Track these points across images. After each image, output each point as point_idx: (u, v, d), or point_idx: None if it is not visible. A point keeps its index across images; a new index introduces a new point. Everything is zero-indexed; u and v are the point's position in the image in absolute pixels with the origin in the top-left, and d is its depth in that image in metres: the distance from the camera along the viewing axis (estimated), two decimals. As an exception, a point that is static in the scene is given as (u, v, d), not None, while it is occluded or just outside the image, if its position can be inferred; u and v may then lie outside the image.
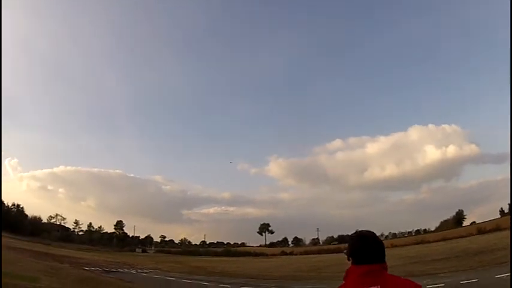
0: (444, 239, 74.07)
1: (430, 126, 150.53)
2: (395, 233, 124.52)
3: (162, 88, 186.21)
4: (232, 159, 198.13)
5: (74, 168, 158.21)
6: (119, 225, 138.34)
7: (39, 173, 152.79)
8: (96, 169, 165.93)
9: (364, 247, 2.72)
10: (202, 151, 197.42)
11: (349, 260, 2.80)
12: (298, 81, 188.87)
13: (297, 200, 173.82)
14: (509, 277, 17.73)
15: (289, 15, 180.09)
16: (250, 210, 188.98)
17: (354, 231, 2.95)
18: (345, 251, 2.86)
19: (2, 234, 78.69)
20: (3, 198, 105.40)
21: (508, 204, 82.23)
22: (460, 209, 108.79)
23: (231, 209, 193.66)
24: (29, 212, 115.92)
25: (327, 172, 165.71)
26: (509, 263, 21.44)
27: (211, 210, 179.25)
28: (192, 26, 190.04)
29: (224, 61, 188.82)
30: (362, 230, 2.90)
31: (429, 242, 77.34)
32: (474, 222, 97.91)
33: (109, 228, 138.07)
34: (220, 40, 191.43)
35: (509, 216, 63.08)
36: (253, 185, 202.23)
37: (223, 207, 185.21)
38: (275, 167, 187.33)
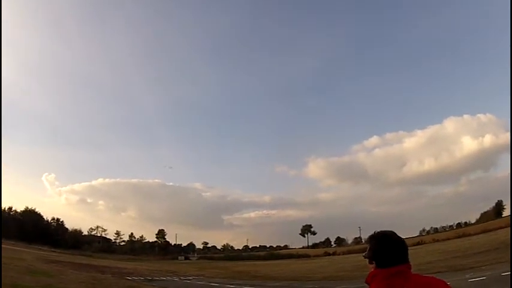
0: (484, 231, 74.40)
1: (465, 116, 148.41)
2: (436, 228, 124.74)
3: (197, 96, 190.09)
4: (270, 162, 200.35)
5: (112, 180, 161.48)
6: (161, 233, 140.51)
7: (78, 186, 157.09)
8: (135, 179, 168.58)
9: (389, 248, 2.58)
10: (240, 156, 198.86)
11: (371, 263, 2.67)
12: (331, 80, 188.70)
13: (338, 199, 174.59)
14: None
15: (318, 14, 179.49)
16: (292, 213, 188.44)
17: (374, 232, 2.76)
18: (365, 254, 2.72)
19: (43, 248, 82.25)
20: (42, 213, 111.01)
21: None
22: (500, 199, 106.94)
23: (272, 212, 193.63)
24: (70, 225, 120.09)
25: (366, 170, 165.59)
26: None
27: (252, 214, 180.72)
28: (221, 34, 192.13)
29: (256, 65, 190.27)
30: (382, 230, 2.74)
31: (470, 234, 77.90)
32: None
33: (151, 237, 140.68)
34: (251, 45, 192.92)
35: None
36: (293, 187, 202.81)
37: (264, 211, 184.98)
38: (314, 168, 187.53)
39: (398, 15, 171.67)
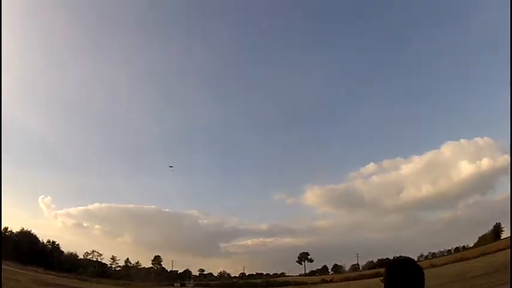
0: (483, 254, 74.85)
1: (462, 141, 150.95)
2: (434, 253, 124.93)
3: (193, 125, 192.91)
4: (268, 190, 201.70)
5: (108, 205, 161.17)
6: (157, 260, 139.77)
7: (74, 210, 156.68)
8: (131, 205, 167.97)
9: (408, 275, 2.63)
10: (238, 184, 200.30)
11: None
12: (328, 108, 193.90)
13: (335, 226, 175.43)
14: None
15: (316, 43, 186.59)
16: (289, 240, 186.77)
17: (393, 258, 2.90)
18: (381, 279, 2.80)
19: (38, 270, 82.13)
20: (37, 235, 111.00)
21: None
22: (497, 222, 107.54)
23: (269, 239, 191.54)
24: (65, 248, 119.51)
25: (363, 196, 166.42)
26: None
27: (249, 242, 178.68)
28: (220, 61, 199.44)
29: (253, 93, 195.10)
30: (401, 256, 2.82)
31: (468, 258, 78.12)
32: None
33: (146, 263, 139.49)
34: (249, 73, 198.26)
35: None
36: (291, 215, 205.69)
37: (261, 239, 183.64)
38: (311, 196, 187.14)
39: (392, 43, 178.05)
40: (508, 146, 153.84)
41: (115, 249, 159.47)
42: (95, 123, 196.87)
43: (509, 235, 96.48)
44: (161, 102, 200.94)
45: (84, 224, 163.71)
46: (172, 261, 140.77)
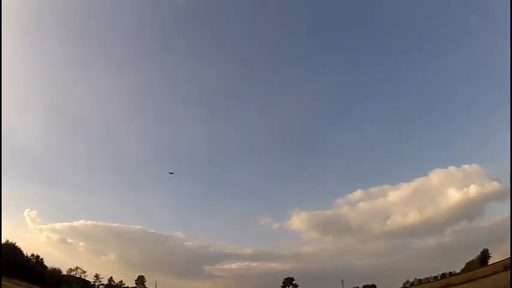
0: (470, 280, 76.29)
1: (451, 168, 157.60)
2: (420, 279, 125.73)
3: (183, 145, 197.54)
4: (254, 214, 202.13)
5: (94, 222, 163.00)
6: (140, 280, 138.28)
7: (59, 225, 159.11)
8: (116, 224, 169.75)
9: None
10: (224, 207, 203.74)
11: None
12: (317, 134, 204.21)
13: (321, 252, 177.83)
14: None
15: (302, 70, 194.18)
16: (274, 265, 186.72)
17: None
18: None
19: (22, 284, 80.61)
20: (22, 248, 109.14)
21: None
22: (485, 248, 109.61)
23: (254, 264, 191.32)
24: (49, 263, 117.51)
25: (350, 223, 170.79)
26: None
27: (234, 265, 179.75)
28: (209, 85, 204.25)
29: (242, 119, 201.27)
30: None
31: (455, 284, 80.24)
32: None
33: (130, 283, 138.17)
34: (238, 98, 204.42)
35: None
36: (276, 240, 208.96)
37: (246, 263, 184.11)
38: (297, 221, 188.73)
39: (381, 71, 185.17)
40: (496, 173, 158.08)
41: (99, 267, 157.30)
42: (85, 139, 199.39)
43: (496, 261, 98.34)
44: (152, 121, 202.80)
45: (69, 240, 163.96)
46: (156, 282, 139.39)
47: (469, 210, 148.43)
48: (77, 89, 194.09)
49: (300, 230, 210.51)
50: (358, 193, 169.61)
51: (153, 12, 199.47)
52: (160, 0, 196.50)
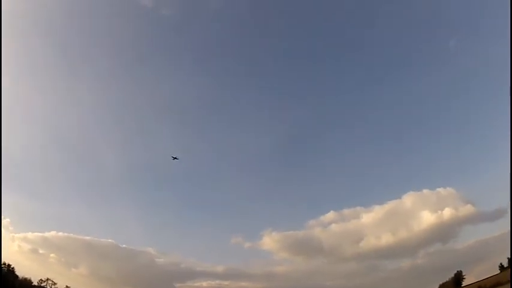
0: None
1: (425, 191, 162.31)
2: None
3: (159, 160, 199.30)
4: (226, 233, 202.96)
5: (66, 234, 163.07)
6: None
7: (31, 235, 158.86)
8: (88, 237, 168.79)
9: None
10: (196, 225, 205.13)
11: None
12: (291, 156, 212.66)
13: (292, 272, 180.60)
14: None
15: (286, 92, 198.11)
16: (245, 284, 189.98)
17: None
18: None
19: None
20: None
21: (508, 258, 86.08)
22: (459, 270, 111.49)
23: (226, 282, 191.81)
24: (20, 273, 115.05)
25: (322, 244, 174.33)
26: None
27: (205, 283, 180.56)
28: (188, 101, 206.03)
29: (219, 136, 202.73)
30: None
31: None
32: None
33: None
34: (217, 115, 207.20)
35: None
36: (248, 259, 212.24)
37: (217, 281, 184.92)
38: (269, 241, 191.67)
39: (360, 97, 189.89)
40: (471, 196, 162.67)
41: (70, 279, 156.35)
42: (62, 150, 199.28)
43: (470, 283, 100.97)
44: (129, 134, 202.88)
45: (40, 251, 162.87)
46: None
47: (443, 232, 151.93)
48: (55, 99, 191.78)
49: (271, 250, 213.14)
50: (330, 215, 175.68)
51: (135, 24, 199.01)
52: (143, 12, 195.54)
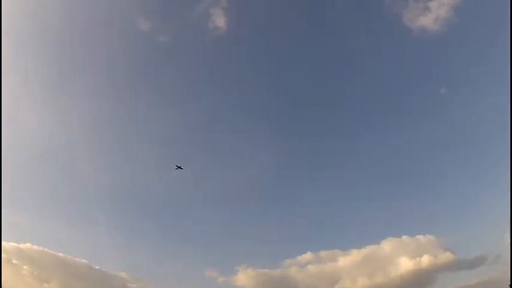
0: None
1: (404, 237, 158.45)
2: None
3: (141, 188, 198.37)
4: (201, 265, 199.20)
5: (41, 248, 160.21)
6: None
7: (6, 245, 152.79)
8: (62, 254, 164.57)
9: None
10: (172, 254, 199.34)
11: None
12: (271, 194, 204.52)
13: None
14: None
15: (266, 132, 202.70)
16: None
17: None
18: None
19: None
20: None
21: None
22: None
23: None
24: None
25: (298, 284, 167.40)
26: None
27: None
28: (174, 132, 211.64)
29: (200, 167, 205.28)
30: None
31: None
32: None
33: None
34: (198, 146, 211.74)
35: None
36: None
37: None
38: (244, 277, 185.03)
39: (341, 141, 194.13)
40: (451, 244, 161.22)
41: None
42: (44, 164, 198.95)
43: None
44: (113, 156, 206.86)
45: (14, 261, 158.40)
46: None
47: (420, 279, 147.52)
48: (43, 113, 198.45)
49: (245, 287, 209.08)
50: (308, 255, 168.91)
51: (131, 48, 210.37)
52: (139, 37, 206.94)
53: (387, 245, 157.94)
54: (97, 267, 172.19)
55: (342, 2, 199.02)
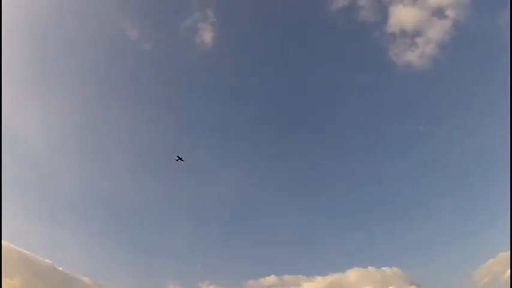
0: None
1: (370, 268, 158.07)
2: None
3: (114, 194, 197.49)
4: (165, 278, 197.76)
5: (7, 243, 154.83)
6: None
7: None
8: (27, 251, 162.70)
9: None
10: (136, 263, 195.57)
11: None
12: (240, 213, 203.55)
13: None
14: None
15: (240, 149, 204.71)
16: None
17: None
18: None
19: None
20: None
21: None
22: None
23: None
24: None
25: None
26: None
27: None
28: (151, 141, 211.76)
29: (175, 183, 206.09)
30: None
31: None
32: None
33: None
34: (167, 157, 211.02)
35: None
36: None
37: None
38: None
39: (316, 170, 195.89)
40: (417, 277, 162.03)
41: None
42: (20, 159, 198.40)
43: None
44: (90, 162, 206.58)
45: None
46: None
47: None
48: (24, 109, 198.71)
49: None
50: (271, 278, 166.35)
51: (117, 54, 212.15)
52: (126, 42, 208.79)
53: (352, 274, 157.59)
54: (60, 268, 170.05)
55: (329, 30, 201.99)
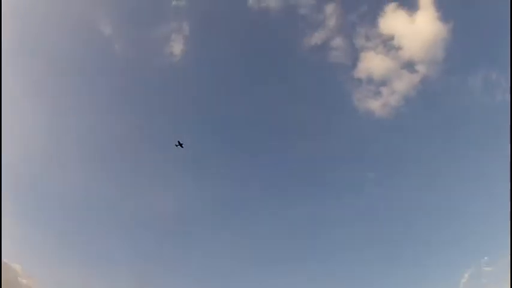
0: None
1: None
2: None
3: (88, 200, 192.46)
4: None
5: None
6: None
7: None
8: None
9: None
10: (102, 273, 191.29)
11: None
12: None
13: None
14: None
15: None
16: None
17: None
18: None
19: None
20: None
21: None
22: None
23: None
24: None
25: None
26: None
27: None
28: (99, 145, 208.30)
29: (152, 196, 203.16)
30: None
31: None
32: None
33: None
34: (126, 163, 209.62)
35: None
36: None
37: None
38: None
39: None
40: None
41: None
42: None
43: None
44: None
45: None
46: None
47: None
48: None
49: None
50: None
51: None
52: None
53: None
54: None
55: (299, 63, 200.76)
